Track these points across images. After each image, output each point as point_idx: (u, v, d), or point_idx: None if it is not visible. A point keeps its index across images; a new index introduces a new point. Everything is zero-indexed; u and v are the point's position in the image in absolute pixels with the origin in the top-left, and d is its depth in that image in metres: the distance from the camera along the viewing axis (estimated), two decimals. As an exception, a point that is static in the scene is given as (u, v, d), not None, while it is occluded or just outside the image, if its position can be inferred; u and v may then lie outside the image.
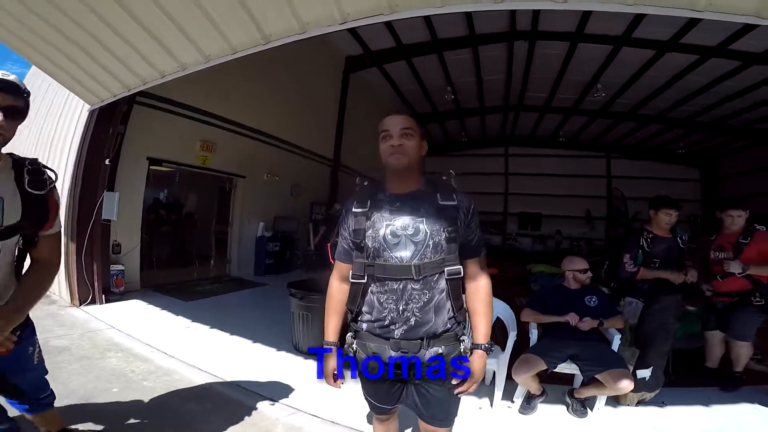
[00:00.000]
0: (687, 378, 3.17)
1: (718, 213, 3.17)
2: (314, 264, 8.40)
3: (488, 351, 1.36)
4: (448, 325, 1.33)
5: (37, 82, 6.62)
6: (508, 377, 2.61)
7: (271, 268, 7.65)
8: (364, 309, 1.37)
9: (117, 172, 5.12)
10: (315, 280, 4.13)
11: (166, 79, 3.47)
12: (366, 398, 1.51)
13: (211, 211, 7.66)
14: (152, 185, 6.17)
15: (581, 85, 9.17)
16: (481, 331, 1.35)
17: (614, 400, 2.70)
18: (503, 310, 2.98)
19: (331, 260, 1.52)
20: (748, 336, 2.94)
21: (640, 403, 2.70)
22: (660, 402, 2.72)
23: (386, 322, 1.31)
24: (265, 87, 7.18)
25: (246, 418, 2.41)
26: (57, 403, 2.30)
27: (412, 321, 1.29)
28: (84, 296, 4.58)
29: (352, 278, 1.37)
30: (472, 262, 1.36)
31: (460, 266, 1.32)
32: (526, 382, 2.51)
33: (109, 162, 4.83)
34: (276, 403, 2.60)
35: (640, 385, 2.59)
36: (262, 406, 2.57)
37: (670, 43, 6.68)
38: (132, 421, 2.26)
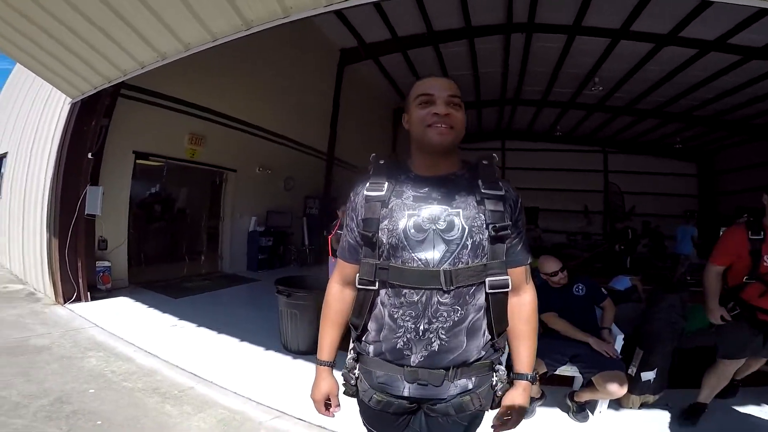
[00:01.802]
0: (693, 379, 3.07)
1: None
2: (308, 259, 8.36)
3: (534, 382, 1.09)
4: (483, 353, 1.04)
5: (23, 77, 6.49)
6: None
7: (265, 264, 7.54)
8: (371, 326, 1.07)
9: (101, 166, 4.97)
10: (303, 278, 4.05)
11: (146, 69, 3.34)
12: (366, 426, 1.22)
13: (201, 206, 7.53)
14: (140, 180, 6.02)
15: (578, 78, 9.06)
16: (526, 358, 1.07)
17: (616, 403, 2.61)
18: None
19: (330, 254, 1.28)
20: None
21: (643, 405, 2.62)
22: (664, 404, 2.63)
23: (399, 345, 1.01)
24: (257, 80, 7.03)
25: (228, 421, 2.32)
26: (28, 404, 2.24)
27: (435, 345, 0.99)
28: (68, 294, 4.47)
29: (358, 284, 1.07)
30: (516, 271, 1.06)
31: (508, 277, 1.02)
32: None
33: (92, 156, 4.68)
34: (260, 406, 2.51)
35: (643, 387, 2.52)
36: (246, 408, 2.49)
37: (669, 37, 6.57)
38: (98, 422, 2.16)
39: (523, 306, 1.09)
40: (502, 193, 1.02)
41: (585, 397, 2.43)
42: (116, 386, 2.65)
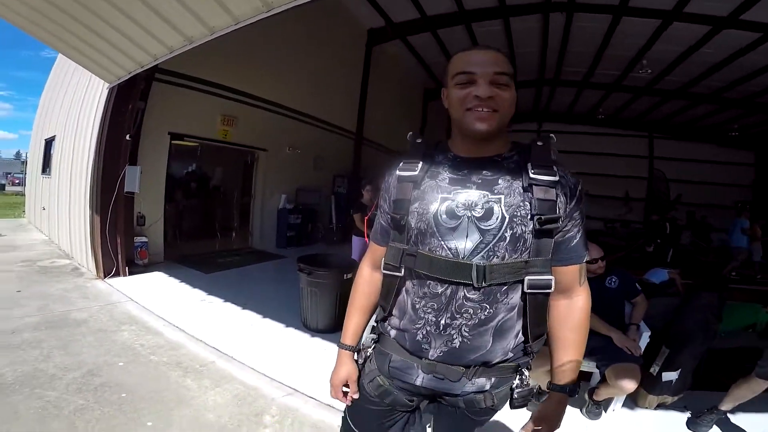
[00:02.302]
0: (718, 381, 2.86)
1: None
2: (335, 237, 8.51)
3: (572, 395, 0.97)
4: (510, 354, 0.95)
5: (65, 64, 6.82)
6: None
7: (293, 241, 7.72)
8: (395, 312, 1.02)
9: (139, 147, 5.21)
10: (326, 256, 4.12)
11: (174, 53, 3.42)
12: (344, 417, 1.16)
13: (234, 184, 7.78)
14: (176, 159, 6.27)
15: (625, 60, 8.41)
16: (568, 370, 0.95)
17: (632, 402, 2.52)
18: None
19: (354, 233, 1.20)
20: None
21: (660, 406, 2.50)
22: (682, 406, 2.50)
23: (418, 337, 0.95)
24: (286, 61, 7.05)
25: (242, 396, 2.43)
26: (62, 376, 2.45)
27: (456, 342, 0.91)
28: (108, 268, 4.77)
29: (384, 269, 1.00)
30: (568, 270, 0.94)
31: (552, 277, 0.89)
32: (539, 378, 2.38)
33: (130, 137, 4.91)
34: (274, 382, 2.61)
35: (663, 388, 2.41)
36: (260, 384, 2.59)
37: (729, 20, 5.96)
38: (123, 395, 2.32)
39: (574, 312, 0.96)
40: (555, 178, 0.87)
41: (603, 394, 2.33)
42: (144, 359, 2.83)
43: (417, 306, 0.95)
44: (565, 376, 0.97)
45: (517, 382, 0.98)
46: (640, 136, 13.29)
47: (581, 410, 2.44)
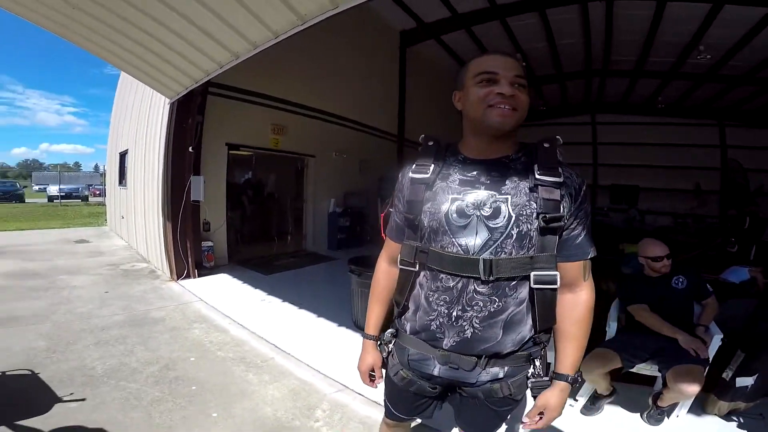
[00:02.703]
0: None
1: None
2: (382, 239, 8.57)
3: (574, 384, 1.02)
4: (520, 345, 1.00)
5: (129, 81, 7.51)
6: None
7: (343, 243, 7.91)
8: (410, 305, 1.09)
9: (201, 158, 5.60)
10: (373, 257, 4.16)
11: (223, 68, 3.64)
12: (384, 399, 1.28)
13: (287, 190, 8.13)
14: (234, 168, 6.68)
15: (679, 47, 7.62)
16: (570, 360, 1.00)
17: (699, 407, 2.27)
18: None
19: (383, 235, 1.26)
20: None
21: (732, 413, 2.24)
22: (757, 414, 2.21)
23: (432, 327, 1.02)
24: (325, 69, 7.25)
25: (297, 391, 2.54)
26: (143, 370, 2.70)
27: (468, 333, 0.97)
28: (180, 271, 5.21)
29: (400, 264, 1.08)
30: (572, 266, 0.98)
31: (557, 273, 0.94)
32: (595, 380, 2.23)
33: (192, 149, 5.32)
34: (327, 379, 2.69)
35: (736, 394, 2.15)
36: (314, 380, 2.69)
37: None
38: (193, 388, 2.51)
39: (577, 306, 1.01)
40: (559, 179, 0.93)
41: (667, 399, 2.13)
42: (212, 355, 3.05)
43: (430, 299, 1.01)
44: (566, 366, 1.01)
45: (531, 370, 1.04)
46: (709, 125, 11.77)
47: (641, 415, 2.26)
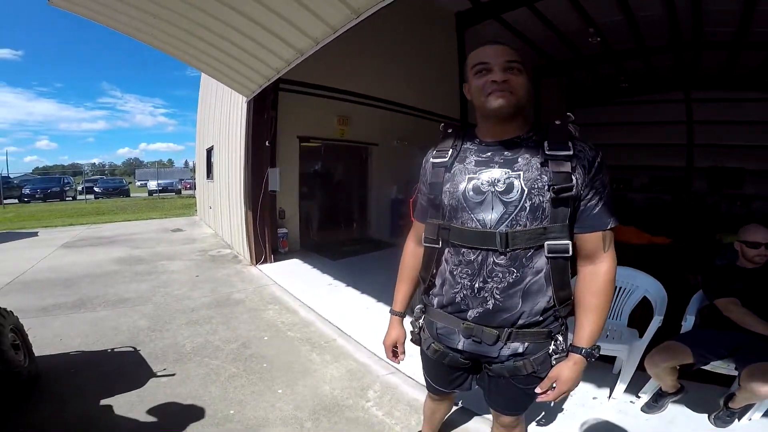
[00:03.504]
0: None
1: None
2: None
3: (589, 358, 1.02)
4: (540, 318, 1.03)
5: (209, 83, 8.18)
6: (640, 368, 2.17)
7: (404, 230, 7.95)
8: (437, 281, 1.17)
9: (276, 151, 6.02)
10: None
11: (291, 65, 3.84)
12: (424, 374, 1.38)
13: (353, 178, 8.35)
14: (305, 159, 7.05)
15: None
16: (587, 332, 1.02)
17: None
18: (652, 287, 2.46)
19: (412, 219, 1.33)
20: None
21: None
22: None
23: (457, 299, 1.08)
24: (383, 58, 7.26)
25: (354, 372, 2.69)
26: (224, 347, 3.03)
27: (490, 304, 1.03)
28: (259, 256, 5.71)
29: (424, 242, 1.17)
30: (591, 237, 1.01)
31: (569, 242, 0.99)
32: (660, 375, 2.02)
33: (269, 143, 5.74)
34: (381, 361, 2.79)
35: None
36: (370, 362, 2.82)
37: None
38: (264, 365, 2.78)
39: (596, 276, 1.03)
40: (569, 152, 0.97)
41: (740, 401, 1.88)
42: (282, 335, 3.33)
43: (454, 272, 1.09)
44: (583, 339, 1.03)
45: (552, 347, 1.07)
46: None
47: (709, 417, 2.03)
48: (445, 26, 8.47)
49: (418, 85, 7.99)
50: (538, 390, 1.06)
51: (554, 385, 1.05)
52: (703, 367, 1.98)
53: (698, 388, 2.20)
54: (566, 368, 1.03)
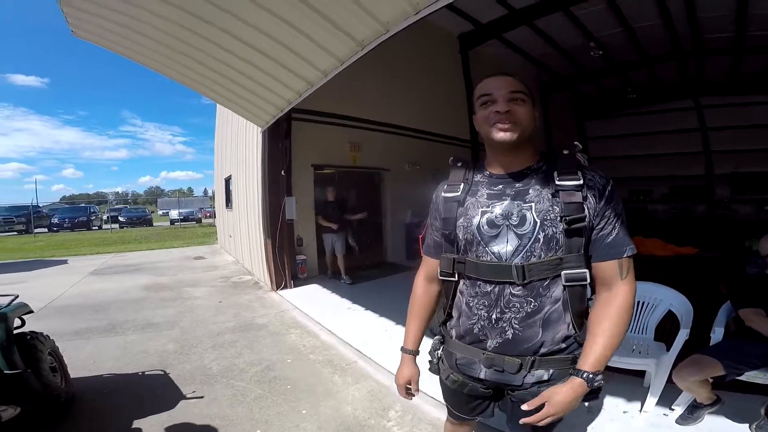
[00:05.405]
0: None
1: None
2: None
3: (590, 384, 0.95)
4: (563, 345, 1.03)
5: (225, 113, 8.54)
6: (671, 381, 2.12)
7: (420, 253, 7.95)
8: (454, 312, 1.17)
9: (291, 179, 6.20)
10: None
11: (302, 96, 4.07)
12: (444, 401, 1.35)
13: (367, 204, 8.46)
14: (319, 186, 7.22)
15: None
16: (593, 356, 0.96)
17: None
18: (675, 300, 2.45)
19: (421, 254, 1.32)
20: None
21: None
22: None
23: (475, 330, 1.08)
24: (391, 85, 7.52)
25: (375, 392, 2.70)
26: (248, 370, 3.09)
27: (509, 334, 1.03)
28: (279, 282, 5.81)
29: (440, 275, 1.17)
30: (607, 265, 1.00)
31: (586, 270, 0.99)
32: (691, 388, 1.98)
33: (284, 172, 5.94)
34: (402, 382, 2.80)
35: None
36: (390, 383, 2.81)
37: None
38: (288, 387, 2.82)
39: (611, 302, 0.99)
40: (579, 182, 0.98)
41: None
42: (304, 358, 3.37)
43: (471, 304, 1.09)
44: (586, 363, 0.97)
45: None
46: None
47: (750, 426, 1.97)
48: (449, 48, 8.73)
49: (426, 108, 8.20)
50: (524, 407, 1.00)
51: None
52: (738, 378, 1.94)
53: (737, 398, 2.15)
54: (560, 391, 0.96)
